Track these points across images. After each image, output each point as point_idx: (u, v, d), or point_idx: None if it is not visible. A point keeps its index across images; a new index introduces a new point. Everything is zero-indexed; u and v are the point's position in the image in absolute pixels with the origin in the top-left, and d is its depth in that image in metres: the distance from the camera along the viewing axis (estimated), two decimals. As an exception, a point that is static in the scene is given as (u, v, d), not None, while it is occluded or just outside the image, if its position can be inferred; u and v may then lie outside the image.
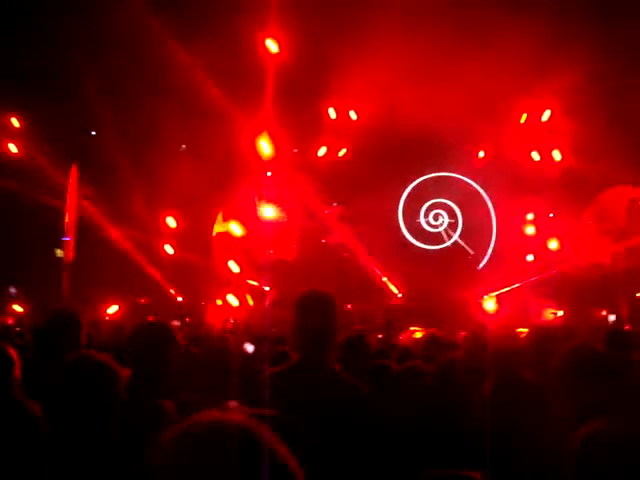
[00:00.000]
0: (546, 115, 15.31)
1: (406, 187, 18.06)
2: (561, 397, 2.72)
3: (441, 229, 18.12)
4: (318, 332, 2.84)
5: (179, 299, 15.21)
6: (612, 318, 12.79)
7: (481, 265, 17.73)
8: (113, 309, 12.58)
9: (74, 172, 13.15)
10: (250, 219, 15.93)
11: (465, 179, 17.92)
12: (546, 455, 2.87)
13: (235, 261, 15.26)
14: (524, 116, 15.74)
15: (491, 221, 17.87)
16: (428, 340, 5.22)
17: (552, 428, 2.85)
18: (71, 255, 13.00)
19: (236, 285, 15.16)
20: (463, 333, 6.54)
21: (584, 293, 14.67)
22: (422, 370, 3.97)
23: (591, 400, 2.51)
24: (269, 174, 16.18)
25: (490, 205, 17.90)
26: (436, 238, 18.15)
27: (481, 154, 16.76)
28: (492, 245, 17.76)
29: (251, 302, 15.22)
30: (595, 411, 2.62)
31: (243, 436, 1.11)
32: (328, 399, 2.65)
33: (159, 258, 15.23)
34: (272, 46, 13.09)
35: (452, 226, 18.08)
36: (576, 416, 2.72)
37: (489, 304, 14.81)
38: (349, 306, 15.05)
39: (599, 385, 2.53)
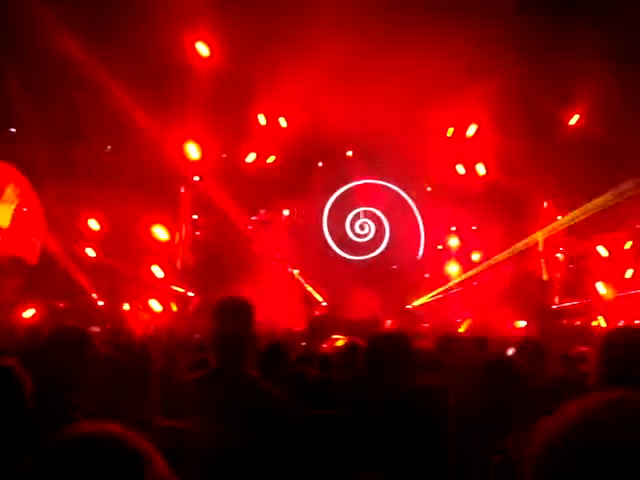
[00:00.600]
0: (472, 129, 15.70)
1: (334, 195, 18.16)
2: (472, 404, 2.80)
3: (367, 238, 18.28)
4: (234, 338, 2.88)
5: (100, 303, 14.85)
6: (522, 324, 13.33)
7: (420, 254, 17.95)
8: (29, 313, 12.18)
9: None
10: (177, 224, 15.75)
11: (393, 187, 18.16)
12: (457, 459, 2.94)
13: (159, 266, 15.02)
14: (450, 130, 16.11)
15: (417, 230, 18.18)
16: (349, 348, 5.25)
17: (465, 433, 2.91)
18: (35, 259, 12.68)
19: (160, 290, 14.93)
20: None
21: (501, 303, 15.12)
22: (343, 377, 4.02)
23: (500, 409, 2.59)
24: (197, 179, 16.07)
25: (417, 214, 18.20)
26: (362, 247, 18.30)
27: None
28: (421, 249, 18.06)
29: (175, 308, 15.02)
30: (502, 420, 2.71)
31: (118, 449, 1.10)
32: (245, 405, 2.67)
33: (80, 261, 14.83)
34: (203, 50, 13.01)
35: (379, 235, 18.25)
36: (486, 423, 2.81)
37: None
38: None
39: (507, 395, 2.61)
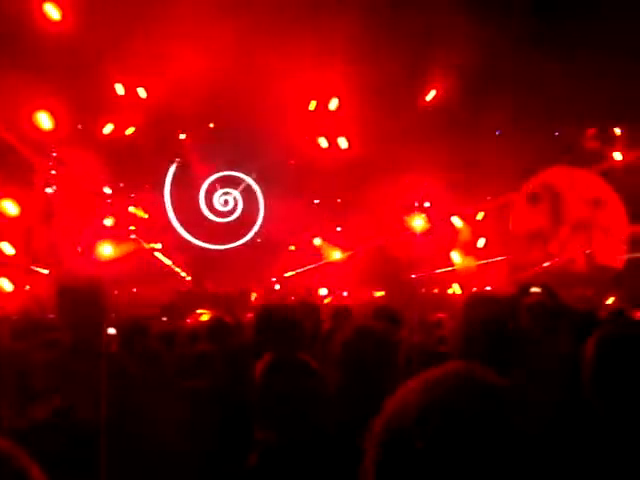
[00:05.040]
0: (334, 103, 15.81)
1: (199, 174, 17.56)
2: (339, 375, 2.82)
3: (234, 216, 17.90)
4: (86, 317, 2.77)
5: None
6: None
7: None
8: None
9: None
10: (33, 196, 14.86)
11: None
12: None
13: (9, 243, 14.12)
14: (313, 103, 16.16)
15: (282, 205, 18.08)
16: (213, 323, 5.21)
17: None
18: None
19: (11, 269, 14.04)
20: (250, 315, 6.66)
21: (364, 275, 15.56)
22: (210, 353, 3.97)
23: (367, 377, 2.62)
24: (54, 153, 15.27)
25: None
26: (225, 227, 17.88)
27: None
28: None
29: (28, 287, 14.21)
30: (372, 389, 2.75)
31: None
32: (102, 383, 2.58)
33: None
34: (53, 13, 12.25)
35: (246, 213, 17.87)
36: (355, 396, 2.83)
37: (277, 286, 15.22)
38: (134, 289, 14.67)
39: (375, 361, 2.65)
